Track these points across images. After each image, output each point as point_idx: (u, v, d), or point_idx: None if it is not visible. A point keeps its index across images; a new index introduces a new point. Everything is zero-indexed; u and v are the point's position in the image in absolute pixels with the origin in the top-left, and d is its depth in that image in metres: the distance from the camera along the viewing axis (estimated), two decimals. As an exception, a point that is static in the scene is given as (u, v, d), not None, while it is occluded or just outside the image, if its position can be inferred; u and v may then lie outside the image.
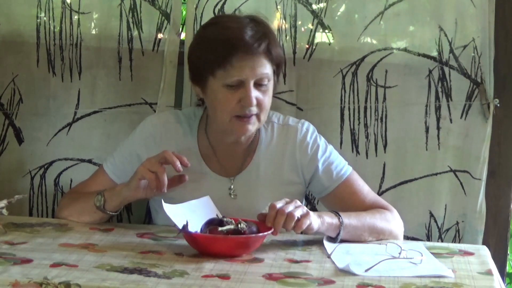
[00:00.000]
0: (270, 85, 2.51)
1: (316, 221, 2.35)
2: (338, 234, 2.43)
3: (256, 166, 2.60)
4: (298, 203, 2.35)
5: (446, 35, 2.85)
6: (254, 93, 2.46)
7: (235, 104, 2.47)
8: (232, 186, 2.59)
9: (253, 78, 2.46)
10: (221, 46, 2.46)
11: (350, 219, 2.45)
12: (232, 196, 2.58)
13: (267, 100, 2.50)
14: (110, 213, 2.55)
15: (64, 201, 2.67)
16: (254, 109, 2.48)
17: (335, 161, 2.61)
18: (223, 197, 2.56)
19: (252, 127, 2.51)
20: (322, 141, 2.63)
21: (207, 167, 2.60)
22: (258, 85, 2.48)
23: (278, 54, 2.52)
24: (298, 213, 2.30)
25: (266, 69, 2.48)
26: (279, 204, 2.31)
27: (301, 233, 2.55)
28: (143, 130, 2.64)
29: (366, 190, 2.62)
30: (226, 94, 2.47)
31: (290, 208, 2.30)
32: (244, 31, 2.46)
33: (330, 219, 2.41)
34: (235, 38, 2.46)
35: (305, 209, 2.34)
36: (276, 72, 2.55)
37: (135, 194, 2.50)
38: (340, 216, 2.43)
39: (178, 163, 2.41)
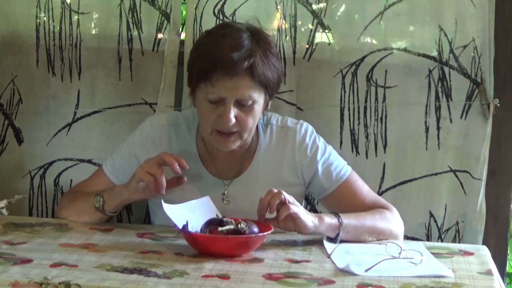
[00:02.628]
0: (255, 107, 2.46)
1: (308, 218, 2.36)
2: (338, 234, 2.43)
3: (256, 169, 2.60)
4: (295, 199, 2.37)
5: (446, 35, 2.85)
6: (234, 112, 2.43)
7: (215, 118, 2.45)
8: (226, 192, 2.59)
9: (233, 98, 2.43)
10: (204, 61, 2.44)
11: (350, 220, 2.45)
12: (225, 202, 2.58)
13: (251, 120, 2.47)
14: (109, 214, 2.55)
15: (64, 201, 2.67)
16: (233, 127, 2.45)
17: (334, 162, 2.61)
18: (219, 201, 2.56)
19: (233, 144, 2.49)
20: (321, 142, 2.63)
21: (206, 169, 2.60)
22: (241, 105, 2.45)
23: (265, 75, 2.44)
24: (289, 198, 2.34)
25: (249, 91, 2.43)
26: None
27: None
28: (142, 131, 2.64)
29: (366, 190, 2.62)
30: (208, 108, 2.46)
31: (284, 193, 2.34)
32: (229, 50, 2.41)
33: (329, 219, 2.41)
34: (218, 56, 2.41)
35: (297, 203, 2.37)
36: (268, 93, 2.49)
37: (133, 196, 2.50)
38: (339, 216, 2.43)
39: (176, 165, 2.41)
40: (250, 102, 2.45)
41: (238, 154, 2.60)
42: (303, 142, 2.60)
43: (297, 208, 2.34)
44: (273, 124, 2.63)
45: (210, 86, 2.42)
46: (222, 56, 2.40)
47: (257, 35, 2.48)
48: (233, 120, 2.43)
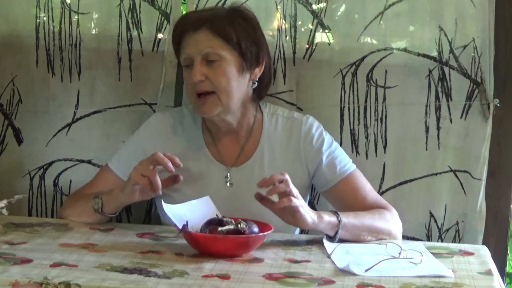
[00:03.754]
0: (224, 64, 2.51)
1: (308, 213, 2.36)
2: (337, 233, 2.43)
3: (260, 157, 2.61)
4: (299, 194, 2.37)
5: (446, 35, 2.85)
6: (203, 70, 2.50)
7: (190, 82, 2.52)
8: (228, 174, 2.59)
9: (198, 53, 2.51)
10: (174, 32, 2.60)
11: (349, 218, 2.45)
12: (228, 185, 2.59)
13: (222, 79, 2.51)
14: (109, 215, 2.55)
15: (67, 202, 2.70)
16: (206, 86, 2.50)
17: (339, 156, 2.62)
18: (222, 186, 2.58)
19: (213, 107, 2.52)
20: (327, 136, 2.65)
21: (212, 157, 2.62)
22: (209, 61, 2.51)
23: (224, 29, 2.52)
24: (294, 191, 2.33)
25: (210, 43, 2.51)
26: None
27: (303, 232, 2.57)
28: (148, 125, 2.67)
29: (368, 189, 2.62)
30: (185, 75, 2.56)
31: (290, 184, 2.34)
32: (189, 14, 2.62)
33: (328, 217, 2.42)
34: (180, 21, 2.59)
35: (301, 197, 2.37)
36: (239, 52, 2.53)
37: (131, 199, 2.51)
38: (338, 215, 2.43)
39: (170, 164, 2.41)
40: (216, 58, 2.51)
41: (241, 138, 2.63)
42: (309, 133, 2.62)
43: (299, 202, 2.34)
44: (279, 114, 2.66)
45: (181, 50, 2.56)
46: (183, 19, 2.58)
47: (234, 9, 2.60)
48: (198, 75, 2.50)
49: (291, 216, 2.35)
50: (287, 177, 2.34)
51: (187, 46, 2.53)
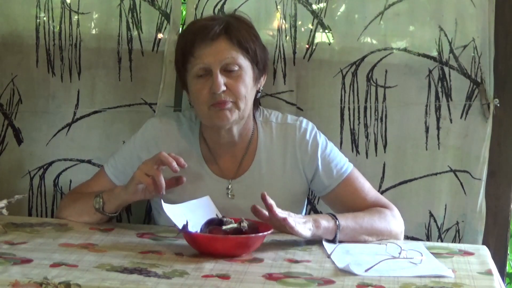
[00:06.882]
0: (243, 73, 2.51)
1: (305, 228, 2.35)
2: (335, 236, 2.42)
3: (258, 167, 2.60)
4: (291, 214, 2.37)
5: (446, 35, 2.85)
6: (223, 79, 2.48)
7: (207, 92, 2.49)
8: (230, 186, 2.59)
9: (217, 64, 2.48)
10: (183, 41, 2.55)
11: (347, 221, 2.44)
12: (229, 196, 2.58)
13: (242, 87, 2.50)
14: (110, 214, 2.55)
15: (64, 202, 2.68)
16: (226, 96, 2.48)
17: (335, 159, 2.61)
18: (223, 198, 2.56)
19: (231, 115, 2.50)
20: (321, 138, 2.63)
21: (209, 169, 2.60)
22: (228, 71, 2.49)
23: (242, 37, 2.52)
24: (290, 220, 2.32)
25: (230, 52, 2.49)
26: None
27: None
28: (144, 133, 2.64)
29: (367, 188, 2.61)
30: (197, 85, 2.51)
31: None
32: (203, 23, 2.55)
33: (326, 222, 2.41)
34: (193, 30, 2.54)
35: (293, 214, 2.36)
36: (253, 61, 2.54)
37: (133, 197, 2.51)
38: (336, 219, 2.43)
39: (174, 164, 2.40)
40: (236, 67, 2.50)
41: (239, 151, 2.61)
42: (303, 139, 2.60)
43: (293, 221, 2.33)
44: (273, 121, 2.64)
45: (194, 60, 2.50)
46: (198, 28, 2.51)
47: (233, 16, 2.60)
48: (222, 86, 2.47)
49: (289, 231, 2.35)
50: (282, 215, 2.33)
51: (203, 56, 2.49)
